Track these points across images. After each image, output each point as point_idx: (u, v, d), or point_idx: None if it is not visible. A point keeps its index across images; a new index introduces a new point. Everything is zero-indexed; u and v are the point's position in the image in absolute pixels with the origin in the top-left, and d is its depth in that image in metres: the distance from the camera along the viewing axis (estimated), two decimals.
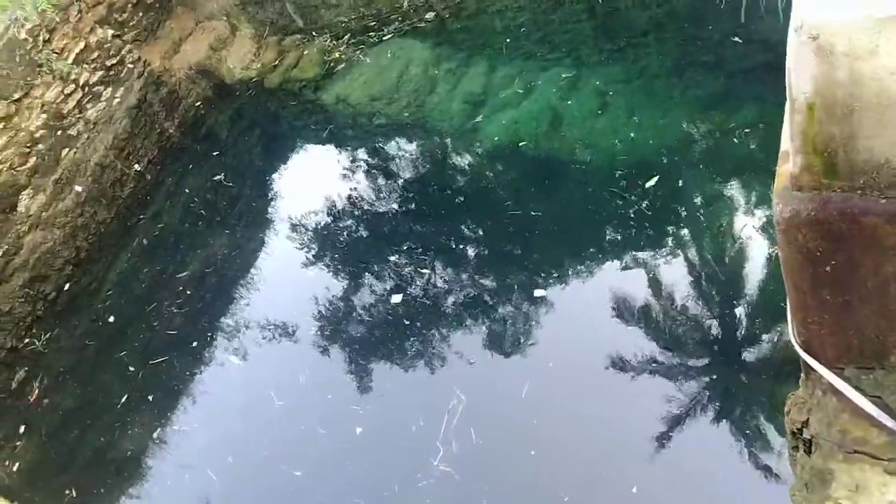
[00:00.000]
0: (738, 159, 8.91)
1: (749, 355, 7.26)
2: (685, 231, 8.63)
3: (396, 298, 8.42)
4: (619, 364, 7.05)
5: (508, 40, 11.40)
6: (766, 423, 6.62)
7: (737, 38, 9.65)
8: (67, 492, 7.72)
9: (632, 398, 6.86)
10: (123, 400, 8.59)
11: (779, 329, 7.15)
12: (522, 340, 7.61)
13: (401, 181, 10.48)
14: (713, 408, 6.78)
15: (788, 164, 2.48)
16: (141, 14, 13.10)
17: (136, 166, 11.91)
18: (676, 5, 10.65)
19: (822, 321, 2.58)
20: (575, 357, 7.21)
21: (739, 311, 7.61)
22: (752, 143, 9.01)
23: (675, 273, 8.08)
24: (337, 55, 12.22)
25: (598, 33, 11.08)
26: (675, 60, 10.41)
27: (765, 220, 8.19)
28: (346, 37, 12.55)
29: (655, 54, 10.53)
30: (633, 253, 8.24)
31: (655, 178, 8.69)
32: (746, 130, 8.98)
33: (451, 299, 8.30)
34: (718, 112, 9.55)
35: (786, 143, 2.52)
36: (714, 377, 7.12)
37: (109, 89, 11.79)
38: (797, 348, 2.74)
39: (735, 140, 9.12)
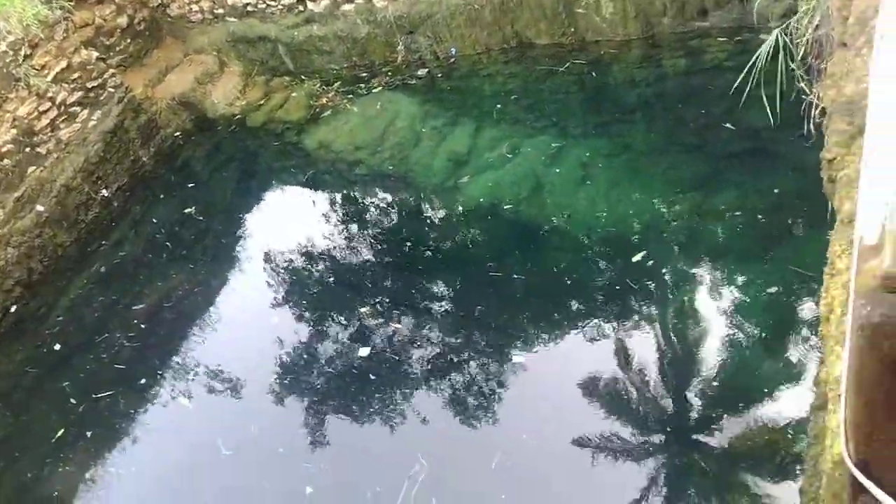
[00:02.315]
0: (711, 242, 8.88)
1: (724, 440, 7.04)
2: (662, 309, 8.52)
3: (363, 352, 8.09)
4: (598, 442, 6.77)
5: (498, 105, 11.42)
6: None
7: (728, 125, 9.74)
8: None
9: (612, 479, 6.53)
10: (59, 434, 8.04)
11: (751, 415, 6.99)
12: (495, 408, 7.28)
13: (377, 232, 10.26)
14: (694, 491, 6.51)
15: (878, 261, 2.17)
16: (129, 40, 12.96)
17: (104, 191, 11.56)
18: (667, 86, 10.80)
19: (891, 440, 2.30)
20: (551, 430, 6.87)
21: (715, 393, 7.41)
22: (729, 228, 9.01)
23: (653, 349, 7.93)
24: (324, 101, 12.13)
25: (586, 106, 11.16)
26: (660, 140, 10.48)
27: (738, 302, 8.14)
28: (336, 84, 12.50)
29: (641, 132, 10.59)
30: (614, 326, 8.06)
31: (642, 254, 8.60)
32: (730, 214, 8.99)
33: (421, 358, 7.97)
34: (697, 194, 9.57)
35: (869, 237, 2.23)
36: (695, 459, 6.88)
37: (86, 111, 11.51)
38: (850, 465, 2.43)
39: (711, 223, 9.13)
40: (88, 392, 8.47)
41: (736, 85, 7.18)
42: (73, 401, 8.40)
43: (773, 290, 7.72)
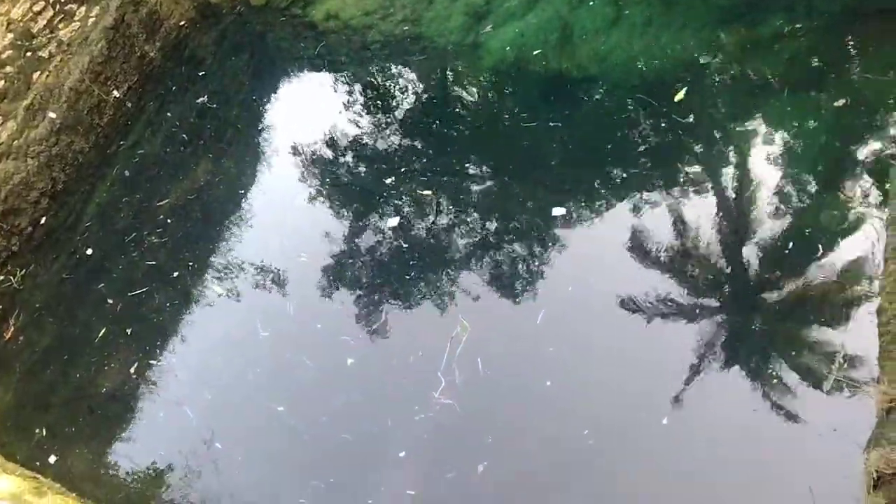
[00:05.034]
0: (760, 76, 8.10)
1: (774, 291, 6.56)
2: (708, 153, 7.90)
3: (393, 222, 7.71)
4: (646, 291, 6.35)
5: None
6: (787, 356, 5.99)
7: None
8: (37, 430, 7.17)
9: (661, 326, 6.23)
10: (101, 334, 8.00)
11: (809, 256, 6.47)
12: (536, 264, 6.90)
13: (398, 100, 9.71)
14: (740, 341, 6.15)
15: None
16: None
17: (115, 92, 11.11)
18: None
19: None
20: (598, 281, 6.55)
21: (765, 241, 6.87)
22: (777, 58, 8.18)
23: (699, 196, 7.39)
24: None
25: None
26: None
27: (792, 141, 7.45)
28: None
29: None
30: (658, 173, 7.55)
31: (684, 91, 7.88)
32: (781, 41, 8.16)
33: (456, 221, 7.63)
34: (741, 23, 8.73)
35: None
36: (741, 308, 6.45)
37: (83, 8, 10.91)
38: None
39: (758, 54, 8.31)
40: (124, 291, 8.37)
41: None
42: (110, 301, 8.32)
43: (839, 103, 7.00)
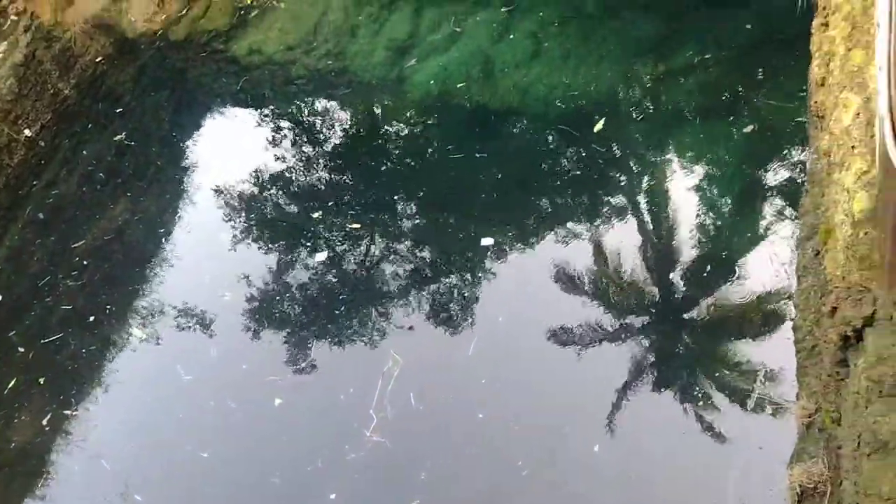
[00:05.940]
0: (676, 101, 8.43)
1: (695, 313, 6.73)
2: (627, 181, 8.14)
3: (320, 256, 7.59)
4: (574, 319, 6.43)
5: None
6: (711, 378, 6.16)
7: None
8: None
9: (590, 353, 6.30)
10: (11, 385, 7.54)
11: (727, 278, 6.69)
12: (468, 294, 6.91)
13: (324, 135, 9.65)
14: (666, 365, 6.27)
15: None
16: None
17: (27, 131, 10.68)
18: None
19: None
20: (527, 310, 6.62)
21: (684, 265, 7.07)
22: (690, 88, 8.52)
23: (620, 223, 7.60)
24: (248, 1, 11.18)
25: None
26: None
27: (706, 168, 7.72)
28: None
29: None
30: (580, 200, 7.70)
31: (602, 122, 8.10)
32: (693, 69, 8.51)
33: (384, 254, 7.57)
34: (655, 55, 9.06)
35: None
36: (665, 333, 6.59)
37: None
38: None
39: (672, 85, 8.64)
40: (37, 338, 7.94)
41: None
42: (21, 349, 7.87)
43: (748, 129, 7.32)
